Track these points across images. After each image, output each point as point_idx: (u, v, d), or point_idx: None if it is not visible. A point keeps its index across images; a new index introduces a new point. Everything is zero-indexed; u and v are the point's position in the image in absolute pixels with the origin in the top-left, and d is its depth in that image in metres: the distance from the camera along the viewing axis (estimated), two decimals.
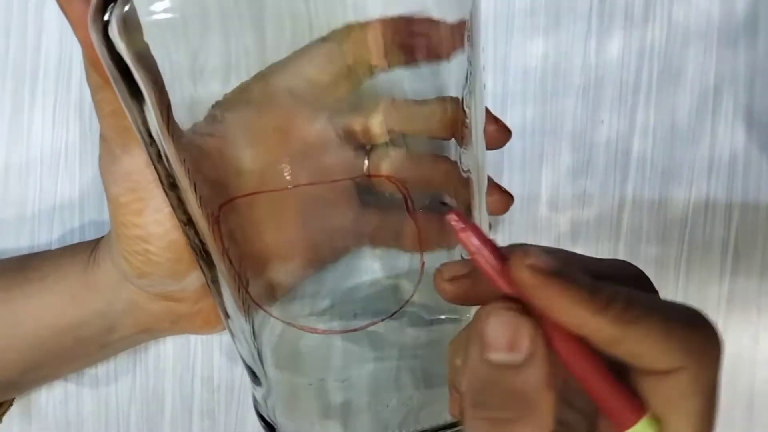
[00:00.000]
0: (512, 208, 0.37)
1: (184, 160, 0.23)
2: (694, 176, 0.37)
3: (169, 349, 0.39)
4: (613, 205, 0.37)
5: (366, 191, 0.27)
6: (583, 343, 0.19)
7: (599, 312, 0.18)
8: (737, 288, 0.37)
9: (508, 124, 0.30)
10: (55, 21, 0.39)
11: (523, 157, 0.37)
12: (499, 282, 0.20)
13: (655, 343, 0.18)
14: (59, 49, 0.39)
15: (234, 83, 0.23)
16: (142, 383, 0.39)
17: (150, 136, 0.22)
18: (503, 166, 0.37)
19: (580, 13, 0.37)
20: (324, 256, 0.27)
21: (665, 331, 0.18)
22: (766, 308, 0.36)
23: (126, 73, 0.21)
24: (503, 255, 0.20)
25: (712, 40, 0.36)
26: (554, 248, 0.21)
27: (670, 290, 0.37)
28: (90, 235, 0.39)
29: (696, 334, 0.19)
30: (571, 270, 0.19)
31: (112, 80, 0.22)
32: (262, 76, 0.23)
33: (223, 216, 0.24)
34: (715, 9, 0.36)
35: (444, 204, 0.21)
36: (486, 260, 0.19)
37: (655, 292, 0.22)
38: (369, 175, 0.25)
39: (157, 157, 0.23)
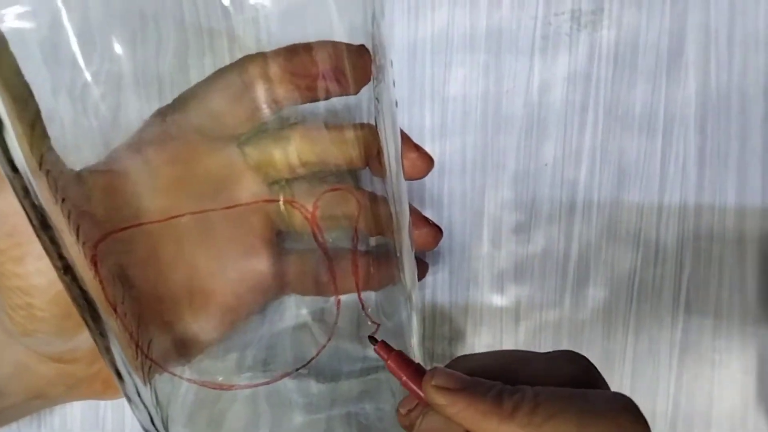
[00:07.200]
0: (453, 248, 0.34)
1: (63, 200, 0.20)
2: (642, 222, 0.35)
3: (76, 408, 0.36)
4: (558, 251, 0.35)
5: (286, 238, 0.25)
6: None
7: (507, 419, 0.19)
8: (690, 343, 0.35)
9: (447, 160, 0.28)
10: None
11: (464, 196, 0.35)
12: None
13: None
14: None
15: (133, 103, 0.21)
16: None
17: (13, 168, 0.19)
18: (443, 205, 0.35)
19: (522, 48, 0.35)
20: (243, 309, 0.25)
21: (579, 425, 0.19)
22: (720, 364, 0.34)
23: None
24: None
25: (661, 78, 0.34)
26: (488, 353, 0.23)
27: (619, 345, 0.35)
28: None
29: (615, 422, 0.19)
30: (478, 383, 0.20)
31: None
32: (161, 113, 0.22)
33: (115, 258, 0.21)
34: (663, 46, 0.34)
35: (371, 338, 0.23)
36: (414, 384, 0.21)
37: (603, 382, 0.22)
38: (274, 199, 0.24)
39: (23, 192, 0.20)
